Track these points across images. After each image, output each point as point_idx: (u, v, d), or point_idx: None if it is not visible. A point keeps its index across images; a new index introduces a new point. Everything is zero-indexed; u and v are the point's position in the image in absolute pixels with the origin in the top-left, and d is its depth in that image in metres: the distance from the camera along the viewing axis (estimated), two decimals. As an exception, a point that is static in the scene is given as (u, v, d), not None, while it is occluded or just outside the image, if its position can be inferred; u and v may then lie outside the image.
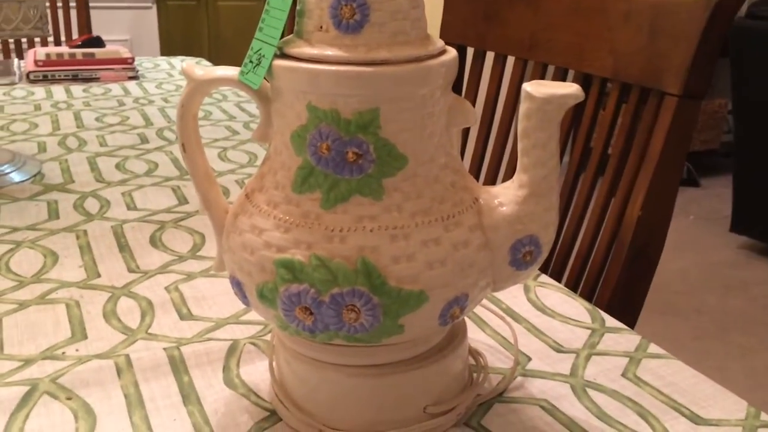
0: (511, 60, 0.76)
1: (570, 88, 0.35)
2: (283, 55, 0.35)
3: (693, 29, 0.54)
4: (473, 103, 0.84)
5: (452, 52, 0.36)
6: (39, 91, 1.19)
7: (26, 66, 1.29)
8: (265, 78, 0.35)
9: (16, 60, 1.39)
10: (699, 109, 0.57)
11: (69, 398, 0.42)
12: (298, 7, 0.35)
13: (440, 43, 0.37)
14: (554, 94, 0.35)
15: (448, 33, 0.83)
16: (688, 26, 0.54)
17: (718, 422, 0.41)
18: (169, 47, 3.66)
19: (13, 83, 1.23)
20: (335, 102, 0.33)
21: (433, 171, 0.36)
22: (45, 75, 1.25)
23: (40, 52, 1.30)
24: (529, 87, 0.35)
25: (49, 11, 1.51)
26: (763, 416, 0.42)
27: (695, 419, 0.42)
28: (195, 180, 0.40)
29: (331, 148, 0.34)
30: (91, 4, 1.67)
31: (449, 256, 0.35)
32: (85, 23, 1.60)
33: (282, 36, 0.36)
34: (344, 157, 0.34)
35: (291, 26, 0.37)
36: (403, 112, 0.34)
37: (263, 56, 0.35)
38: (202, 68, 0.38)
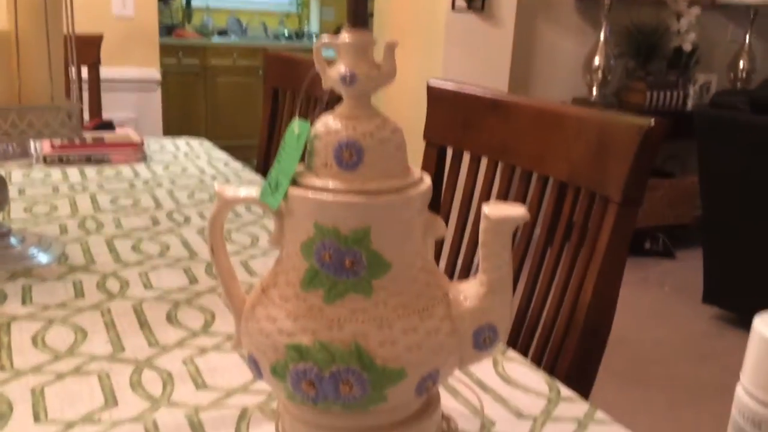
0: (485, 161, 0.88)
1: (517, 211, 0.46)
2: (296, 184, 0.45)
3: (628, 149, 0.65)
4: (451, 197, 0.95)
5: (427, 182, 0.47)
6: (55, 172, 1.29)
7: (42, 148, 1.39)
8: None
9: (31, 142, 1.49)
10: (636, 214, 0.67)
11: (108, 457, 0.50)
12: (308, 148, 0.46)
13: (418, 173, 0.47)
14: (505, 216, 0.45)
15: (431, 134, 0.95)
16: (625, 146, 0.66)
17: (647, 479, 0.50)
18: (170, 121, 3.81)
19: (30, 165, 1.33)
20: (336, 222, 0.44)
21: (412, 273, 0.46)
22: (60, 157, 1.36)
23: (56, 135, 1.41)
24: (486, 209, 0.46)
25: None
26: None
27: (628, 476, 0.50)
28: (220, 275, 0.50)
29: (332, 257, 0.44)
30: (101, 85, 1.80)
31: (424, 341, 0.44)
32: (96, 107, 1.72)
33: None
34: (342, 263, 0.44)
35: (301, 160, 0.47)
36: (390, 229, 0.44)
37: (280, 183, 0.46)
38: (231, 189, 0.48)
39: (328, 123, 0.45)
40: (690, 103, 3.13)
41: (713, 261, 2.42)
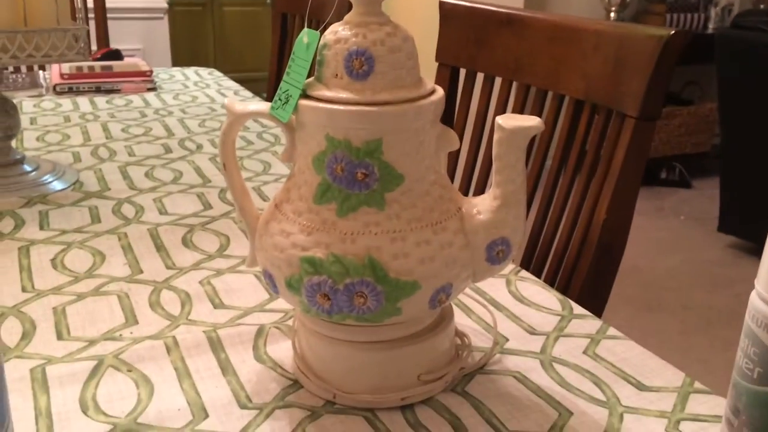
0: (498, 81, 0.86)
1: (533, 122, 0.45)
2: (306, 96, 0.44)
3: (647, 61, 0.63)
4: (465, 117, 0.94)
5: (440, 92, 0.46)
6: (66, 102, 1.28)
7: (51, 78, 1.38)
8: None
9: (40, 72, 1.48)
10: (653, 129, 0.66)
11: (130, 370, 0.51)
12: (318, 58, 0.45)
13: (430, 84, 0.46)
14: (520, 126, 0.44)
15: (443, 55, 0.92)
16: (644, 58, 0.64)
17: (658, 389, 0.51)
18: (178, 53, 3.75)
19: (41, 95, 1.33)
20: (347, 133, 0.43)
21: (425, 186, 0.45)
22: (70, 87, 1.35)
23: (65, 65, 1.40)
24: (501, 120, 0.45)
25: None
26: (697, 384, 0.52)
27: (639, 386, 0.51)
28: (233, 192, 0.50)
29: (344, 169, 0.43)
30: (108, 15, 1.77)
31: (437, 254, 0.44)
32: (103, 36, 1.69)
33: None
34: (354, 176, 0.43)
35: (312, 72, 0.46)
36: (401, 141, 0.44)
37: (290, 96, 0.45)
38: (240, 104, 0.47)
39: (338, 31, 0.44)
40: (711, 26, 3.03)
41: (730, 190, 2.39)
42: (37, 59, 0.77)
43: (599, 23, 0.72)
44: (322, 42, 0.44)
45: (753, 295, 0.37)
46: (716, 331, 1.97)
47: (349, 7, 0.46)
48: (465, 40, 0.88)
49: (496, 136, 0.45)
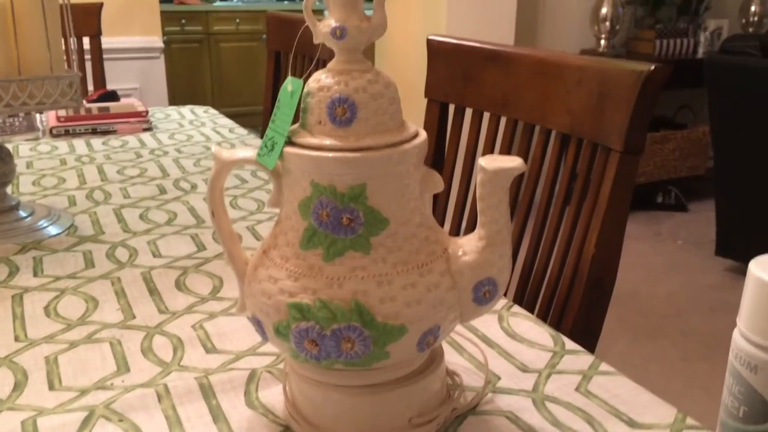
0: (487, 115, 0.87)
1: (514, 162, 0.45)
2: (291, 143, 0.45)
3: (629, 96, 0.64)
4: (455, 153, 0.95)
5: (423, 136, 0.46)
6: (62, 145, 1.30)
7: (48, 121, 1.40)
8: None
9: (37, 116, 1.50)
10: (638, 163, 0.67)
11: (121, 420, 0.51)
12: (302, 106, 0.45)
13: (413, 128, 0.47)
14: (502, 167, 0.45)
15: (432, 91, 0.94)
16: (625, 93, 0.65)
17: (650, 426, 0.51)
18: (176, 90, 3.79)
19: (37, 138, 1.34)
20: (332, 179, 0.43)
21: (410, 229, 0.46)
22: (66, 130, 1.36)
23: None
24: (483, 161, 0.45)
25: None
26: (689, 420, 0.51)
27: (632, 423, 0.51)
28: (221, 238, 0.50)
29: (330, 215, 0.44)
30: (104, 56, 1.79)
31: (423, 296, 0.45)
32: (99, 77, 1.71)
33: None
34: (340, 221, 0.44)
35: (297, 119, 0.47)
36: (385, 185, 0.44)
37: (276, 143, 0.46)
38: (228, 151, 0.48)
39: (321, 79, 0.44)
40: (701, 51, 3.06)
41: (726, 213, 2.40)
42: (31, 107, 0.78)
43: (581, 59, 0.73)
44: (305, 90, 0.45)
45: (735, 333, 0.38)
46: (717, 357, 1.95)
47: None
48: (453, 76, 0.90)
49: (478, 178, 0.45)
